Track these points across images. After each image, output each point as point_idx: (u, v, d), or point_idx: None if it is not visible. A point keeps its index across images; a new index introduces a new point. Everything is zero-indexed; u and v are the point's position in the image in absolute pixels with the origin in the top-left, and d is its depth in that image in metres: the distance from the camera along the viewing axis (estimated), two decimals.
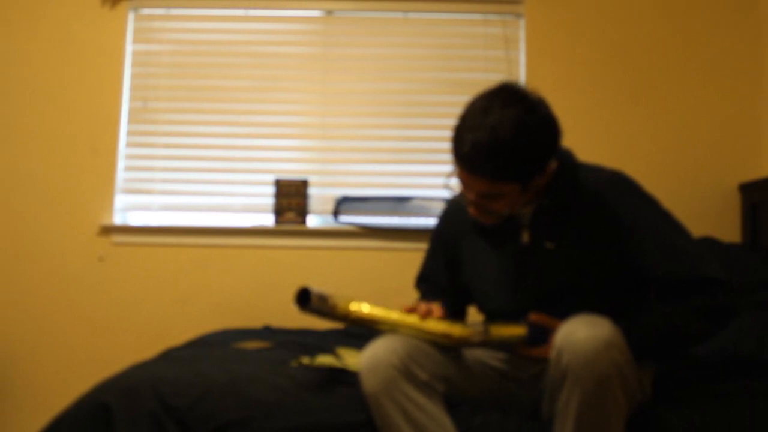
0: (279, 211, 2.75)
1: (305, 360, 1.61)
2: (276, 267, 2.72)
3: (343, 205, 2.75)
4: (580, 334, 1.16)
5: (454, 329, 1.34)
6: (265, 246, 2.75)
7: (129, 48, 2.85)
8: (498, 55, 2.86)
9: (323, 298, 1.28)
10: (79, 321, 2.71)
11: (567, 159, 1.44)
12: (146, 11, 2.88)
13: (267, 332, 2.25)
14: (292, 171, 2.81)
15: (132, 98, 2.84)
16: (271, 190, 2.78)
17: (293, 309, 1.30)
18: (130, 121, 2.84)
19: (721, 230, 2.66)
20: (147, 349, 2.19)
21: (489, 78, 2.85)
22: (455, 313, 1.56)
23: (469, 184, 1.33)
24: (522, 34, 2.85)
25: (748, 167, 2.76)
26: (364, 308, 1.33)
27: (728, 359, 1.67)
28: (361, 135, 2.83)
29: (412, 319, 1.35)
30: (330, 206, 2.78)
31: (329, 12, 2.90)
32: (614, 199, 1.38)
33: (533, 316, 1.35)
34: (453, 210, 1.59)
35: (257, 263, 2.74)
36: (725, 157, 2.78)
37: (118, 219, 2.79)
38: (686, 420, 1.30)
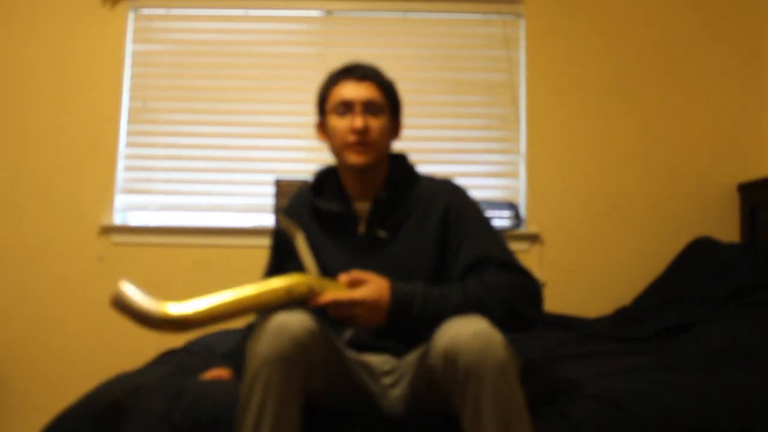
0: (279, 211, 2.74)
1: None
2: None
3: None
4: (465, 331, 1.15)
5: (298, 278, 1.26)
6: (265, 246, 2.74)
7: (129, 48, 2.85)
8: (498, 55, 2.86)
9: (139, 297, 1.15)
10: (79, 321, 2.71)
11: (403, 158, 1.58)
12: (146, 11, 2.88)
13: None
14: (292, 171, 2.81)
15: (132, 98, 2.84)
16: (271, 190, 2.78)
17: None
18: (130, 121, 2.84)
19: (720, 230, 2.67)
20: (147, 350, 2.19)
21: (489, 78, 2.85)
22: None
23: (358, 93, 1.47)
24: (522, 34, 2.86)
25: (748, 167, 2.76)
26: (185, 308, 1.17)
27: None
28: None
29: (251, 289, 1.24)
30: None
31: (329, 12, 2.91)
32: (447, 195, 1.49)
33: (354, 273, 1.32)
34: (292, 203, 1.66)
35: (257, 263, 2.73)
36: (725, 157, 2.78)
37: (118, 219, 2.79)
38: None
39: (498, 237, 1.44)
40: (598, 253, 2.74)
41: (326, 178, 1.61)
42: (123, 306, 1.16)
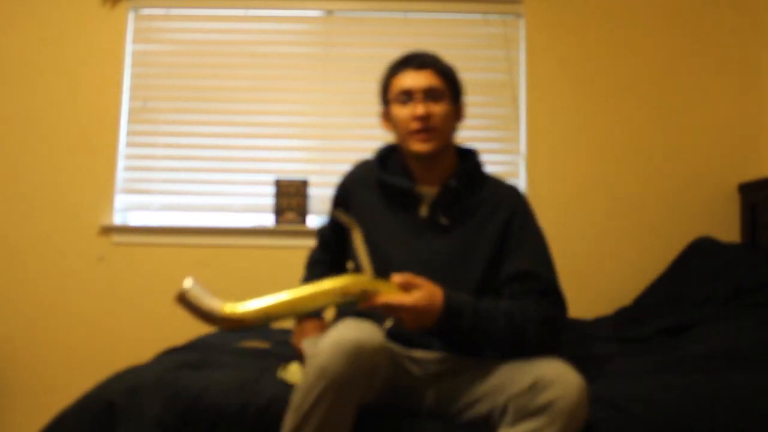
0: (279, 211, 2.75)
1: (280, 371, 1.57)
2: (276, 267, 2.72)
3: None
4: (571, 376, 1.21)
5: (352, 280, 1.29)
6: (265, 246, 2.75)
7: (129, 48, 2.85)
8: (498, 55, 2.86)
9: (203, 295, 1.26)
10: (79, 321, 2.71)
11: (474, 153, 1.60)
12: (146, 11, 2.88)
13: (266, 332, 2.25)
14: (292, 171, 2.81)
15: (132, 98, 2.84)
16: (271, 190, 2.78)
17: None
18: (130, 121, 2.84)
19: (720, 230, 2.67)
20: (147, 349, 2.19)
21: (489, 78, 2.85)
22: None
23: (418, 81, 1.49)
24: (522, 34, 2.86)
25: (748, 167, 2.76)
26: (243, 307, 1.25)
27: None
28: (361, 135, 2.83)
29: (307, 290, 1.28)
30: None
31: (329, 12, 2.90)
32: (514, 201, 1.53)
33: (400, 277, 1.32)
34: (358, 169, 1.66)
35: (257, 263, 2.74)
36: (725, 158, 2.78)
37: (118, 219, 2.79)
38: None
39: (548, 256, 1.48)
40: (598, 253, 2.74)
41: (390, 154, 1.62)
42: (187, 302, 1.28)
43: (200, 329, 2.42)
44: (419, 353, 1.43)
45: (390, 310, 1.27)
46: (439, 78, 1.52)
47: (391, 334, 1.42)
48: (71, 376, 2.64)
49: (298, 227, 2.73)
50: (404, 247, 1.48)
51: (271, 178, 2.79)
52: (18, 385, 2.69)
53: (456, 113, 1.56)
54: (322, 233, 1.81)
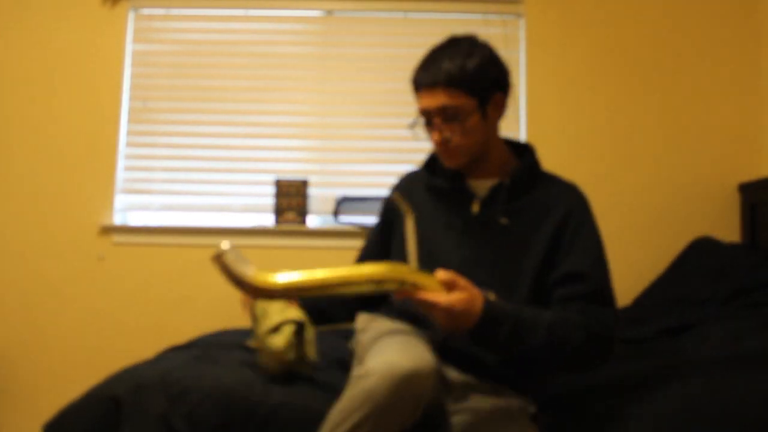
0: (279, 211, 2.75)
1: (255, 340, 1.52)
2: (276, 267, 2.70)
3: (343, 205, 2.75)
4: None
5: (392, 270, 1.25)
6: (265, 246, 2.75)
7: (129, 48, 2.85)
8: None
9: (238, 260, 1.29)
10: (79, 321, 2.71)
11: (531, 150, 1.55)
12: (146, 11, 2.88)
13: None
14: (292, 171, 2.81)
15: (132, 98, 2.84)
16: (271, 190, 2.78)
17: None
18: (130, 121, 2.84)
19: (720, 230, 2.67)
20: (147, 349, 2.19)
21: None
22: None
23: (430, 103, 1.42)
24: (522, 34, 2.86)
25: (748, 167, 2.76)
26: (275, 279, 1.26)
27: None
28: (361, 135, 2.83)
29: (343, 271, 1.25)
30: (330, 206, 2.78)
31: (329, 12, 2.90)
32: (572, 200, 1.49)
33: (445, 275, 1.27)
34: (406, 178, 1.65)
35: (257, 263, 2.72)
36: (725, 157, 2.78)
37: (118, 219, 2.79)
38: None
39: (601, 257, 1.43)
40: None
41: (438, 158, 1.57)
42: (222, 264, 1.28)
43: (201, 328, 2.43)
44: (452, 373, 1.38)
45: (424, 306, 1.23)
46: (452, 94, 1.41)
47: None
48: (71, 376, 2.64)
49: (298, 227, 2.73)
50: (453, 243, 1.45)
51: (271, 178, 2.79)
52: (18, 385, 2.69)
53: (486, 115, 1.45)
54: (368, 237, 1.74)
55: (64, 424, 1.37)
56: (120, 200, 2.80)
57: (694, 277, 2.37)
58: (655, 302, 2.39)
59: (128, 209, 2.82)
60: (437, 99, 1.41)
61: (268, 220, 2.78)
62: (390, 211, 1.63)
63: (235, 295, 2.44)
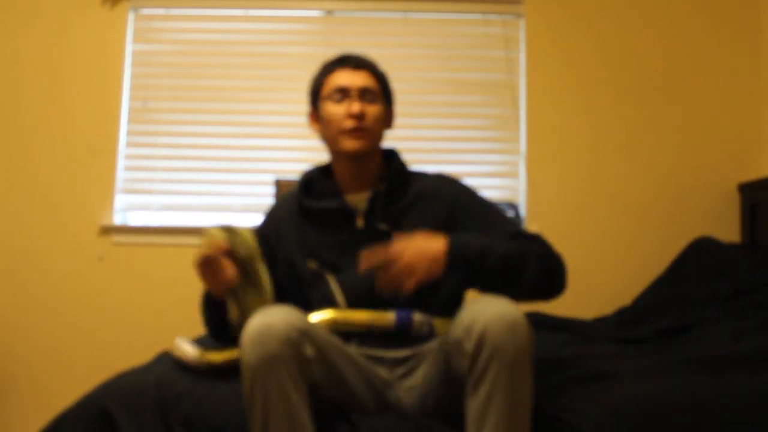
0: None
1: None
2: None
3: None
4: (493, 308, 1.16)
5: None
6: None
7: (129, 48, 2.85)
8: (498, 55, 2.86)
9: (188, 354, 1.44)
10: (79, 321, 2.71)
11: (395, 153, 1.59)
12: (146, 11, 2.88)
13: None
14: (292, 171, 2.81)
15: (132, 98, 2.84)
16: (271, 190, 2.78)
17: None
18: (130, 121, 2.84)
19: (720, 230, 2.66)
20: (147, 349, 2.19)
21: (489, 78, 2.85)
22: None
23: (355, 81, 1.50)
24: (522, 34, 2.85)
25: (748, 167, 2.76)
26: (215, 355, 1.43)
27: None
28: None
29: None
30: None
31: (329, 12, 2.90)
32: (449, 189, 1.53)
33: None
34: (279, 206, 1.63)
35: None
36: (725, 157, 2.78)
37: (118, 219, 2.79)
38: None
39: (507, 217, 1.50)
40: (598, 253, 2.73)
41: (314, 177, 1.59)
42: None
43: (200, 330, 2.42)
44: (390, 353, 1.41)
45: (389, 270, 1.27)
46: (374, 79, 1.53)
47: (363, 337, 1.42)
48: (71, 376, 2.64)
49: None
50: (351, 261, 1.42)
51: (271, 178, 2.78)
52: (18, 385, 2.69)
53: (387, 118, 1.56)
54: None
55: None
56: (120, 200, 2.80)
57: (694, 277, 2.37)
58: (655, 302, 2.39)
59: (128, 209, 2.82)
60: (362, 79, 1.51)
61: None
62: (270, 232, 1.59)
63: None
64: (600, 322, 2.39)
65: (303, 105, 2.82)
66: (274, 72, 2.86)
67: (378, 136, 1.52)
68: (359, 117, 1.46)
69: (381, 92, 1.53)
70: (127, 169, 2.83)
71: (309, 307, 1.47)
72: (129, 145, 2.83)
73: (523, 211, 2.78)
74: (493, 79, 2.85)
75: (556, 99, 2.82)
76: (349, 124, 1.47)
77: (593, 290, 2.66)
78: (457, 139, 2.82)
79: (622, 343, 2.02)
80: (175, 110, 2.85)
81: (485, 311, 1.16)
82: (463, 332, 1.16)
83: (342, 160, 1.53)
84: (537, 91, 2.81)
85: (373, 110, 1.49)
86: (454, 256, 1.29)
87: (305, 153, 2.83)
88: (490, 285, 1.35)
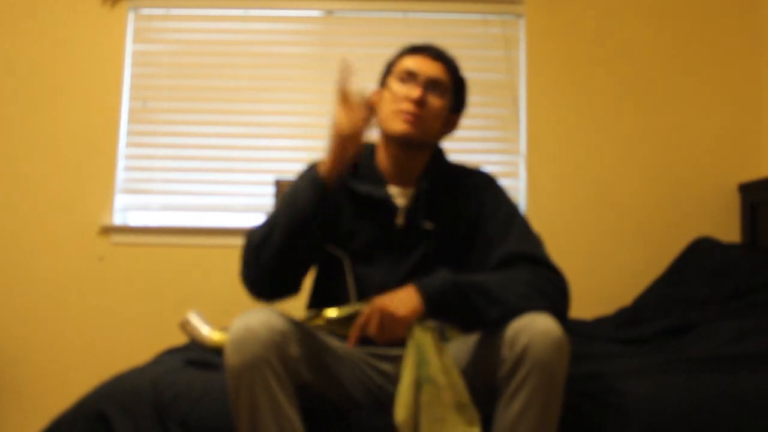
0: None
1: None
2: None
3: None
4: (539, 324, 1.16)
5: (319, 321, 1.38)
6: None
7: (129, 48, 2.85)
8: (498, 55, 2.86)
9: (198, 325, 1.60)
10: (79, 321, 2.71)
11: (441, 150, 1.55)
12: (146, 11, 2.88)
13: None
14: (292, 171, 2.80)
15: (132, 98, 2.84)
16: (271, 190, 2.78)
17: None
18: (130, 121, 2.83)
19: (720, 230, 2.67)
20: (147, 350, 2.19)
21: (489, 78, 2.85)
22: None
23: (428, 69, 1.43)
24: (522, 34, 2.85)
25: (748, 167, 2.76)
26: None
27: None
28: None
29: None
30: None
31: (329, 12, 2.90)
32: (484, 188, 1.49)
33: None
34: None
35: None
36: (725, 158, 2.78)
37: (117, 219, 2.79)
38: None
39: (530, 232, 1.42)
40: (598, 253, 2.73)
41: (363, 157, 1.52)
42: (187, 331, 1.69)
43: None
44: (394, 351, 1.37)
45: (366, 326, 1.24)
46: (448, 75, 1.46)
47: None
48: (71, 376, 2.64)
49: None
50: (377, 261, 1.41)
51: (271, 178, 2.78)
52: (18, 385, 2.69)
53: (449, 120, 1.50)
54: None
55: None
56: (120, 200, 2.80)
57: (694, 277, 2.37)
58: (655, 302, 2.39)
59: (128, 209, 2.82)
60: (434, 69, 1.44)
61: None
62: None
63: (235, 296, 2.45)
64: (600, 322, 2.39)
65: (303, 105, 2.86)
66: (274, 72, 2.86)
67: (431, 131, 1.45)
68: (418, 103, 1.40)
69: (451, 91, 1.47)
70: (127, 169, 2.82)
71: (321, 281, 1.50)
72: (129, 145, 2.83)
73: (522, 211, 2.78)
74: (493, 79, 2.85)
75: (556, 99, 2.82)
76: (406, 106, 1.41)
77: (593, 290, 2.67)
78: (457, 139, 2.80)
79: (622, 343, 2.02)
80: (175, 110, 2.85)
81: (531, 326, 1.17)
82: (506, 341, 1.18)
83: (389, 145, 1.47)
84: (537, 91, 2.81)
85: (434, 102, 1.43)
86: (432, 299, 1.24)
87: (305, 153, 2.82)
88: (474, 323, 1.30)
